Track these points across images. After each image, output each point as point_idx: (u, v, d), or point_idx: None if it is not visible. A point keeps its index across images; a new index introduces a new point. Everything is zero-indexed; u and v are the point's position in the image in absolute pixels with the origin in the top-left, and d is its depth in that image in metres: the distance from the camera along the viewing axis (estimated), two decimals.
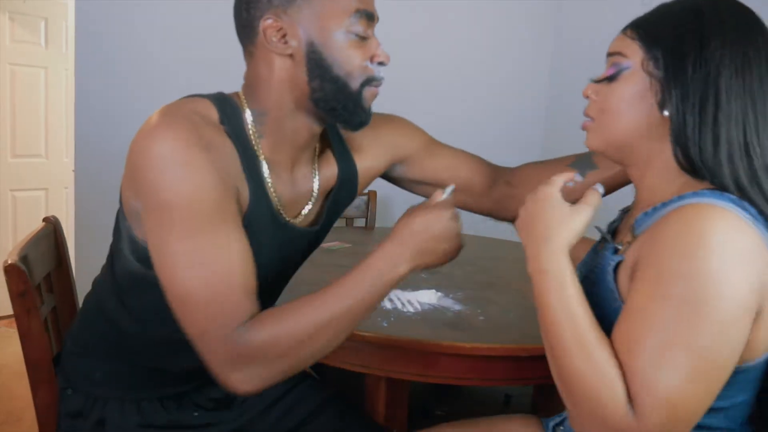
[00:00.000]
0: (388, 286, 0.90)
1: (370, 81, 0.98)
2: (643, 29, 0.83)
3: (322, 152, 1.13)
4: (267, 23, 0.95)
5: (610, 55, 0.86)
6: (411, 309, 1.32)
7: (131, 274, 1.04)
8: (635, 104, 0.82)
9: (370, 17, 0.97)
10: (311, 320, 0.88)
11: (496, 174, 1.24)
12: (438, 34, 2.74)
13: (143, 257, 0.99)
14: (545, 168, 1.18)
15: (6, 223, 3.63)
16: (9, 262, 1.09)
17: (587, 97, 0.89)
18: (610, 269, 0.84)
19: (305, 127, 1.02)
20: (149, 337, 1.10)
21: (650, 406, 0.69)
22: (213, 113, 0.97)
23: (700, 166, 0.77)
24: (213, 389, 1.21)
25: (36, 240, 1.26)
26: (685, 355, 0.69)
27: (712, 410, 0.74)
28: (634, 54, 0.82)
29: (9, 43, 3.52)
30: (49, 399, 1.15)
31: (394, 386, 1.26)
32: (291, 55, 0.96)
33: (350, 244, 1.97)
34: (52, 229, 1.37)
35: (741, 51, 0.76)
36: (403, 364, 1.16)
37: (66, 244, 1.41)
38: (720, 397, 0.73)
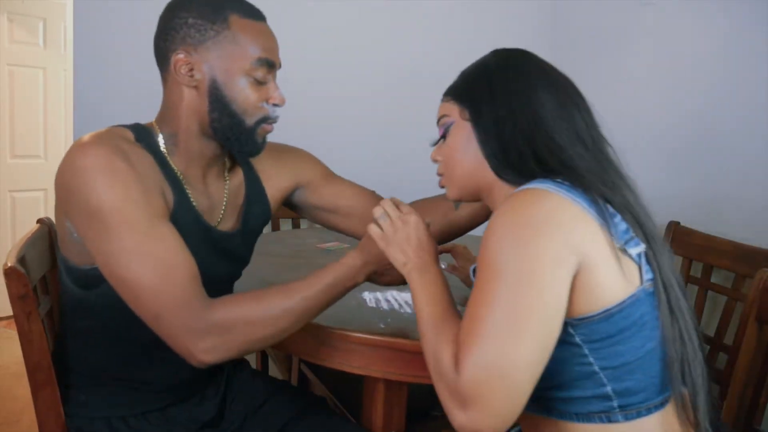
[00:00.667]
0: (346, 291, 1.07)
1: (265, 120, 1.11)
2: (453, 90, 1.03)
3: (232, 168, 1.26)
4: (178, 57, 1.07)
5: (438, 122, 1.04)
6: (408, 310, 1.33)
7: (75, 301, 1.13)
8: (466, 148, 0.98)
9: (270, 65, 1.10)
10: (272, 307, 1.01)
11: None
12: (433, 34, 2.74)
13: (82, 280, 1.09)
14: (430, 202, 1.35)
15: (5, 224, 3.64)
16: (9, 264, 1.09)
17: (435, 161, 1.05)
18: (471, 275, 1.05)
19: (210, 147, 1.14)
20: (109, 357, 1.17)
21: (466, 366, 0.78)
22: (129, 135, 1.09)
23: (514, 178, 0.94)
24: (200, 403, 1.28)
25: (32, 241, 1.27)
26: (498, 316, 0.79)
27: (590, 377, 0.86)
28: (453, 111, 1.01)
29: (7, 43, 3.52)
30: (50, 401, 1.15)
31: (392, 388, 1.26)
32: (196, 87, 1.08)
33: (348, 245, 1.97)
34: (46, 231, 1.37)
35: (523, 86, 0.95)
36: (401, 366, 1.17)
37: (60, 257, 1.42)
38: (597, 358, 0.85)
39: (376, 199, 1.38)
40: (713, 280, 1.99)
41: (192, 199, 1.12)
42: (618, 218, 0.87)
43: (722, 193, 2.11)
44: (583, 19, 2.79)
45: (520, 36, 2.90)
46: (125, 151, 1.02)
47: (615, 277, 0.84)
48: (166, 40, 1.08)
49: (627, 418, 0.87)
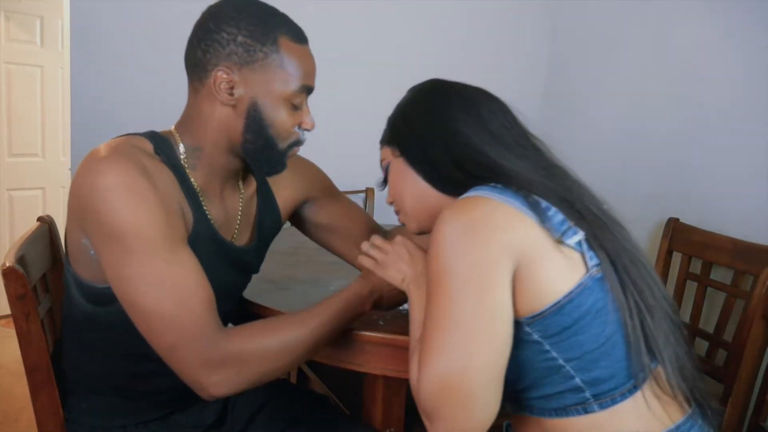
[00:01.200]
0: (354, 318, 1.09)
1: (296, 143, 1.11)
2: (383, 137, 1.09)
3: (245, 177, 1.23)
4: (219, 74, 1.03)
5: (381, 166, 1.11)
6: (407, 307, 1.33)
7: (84, 315, 1.10)
8: (403, 180, 1.04)
9: (309, 91, 1.10)
10: (286, 338, 1.00)
11: (378, 230, 1.41)
12: (431, 32, 2.74)
13: (93, 296, 1.06)
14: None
15: (3, 222, 3.63)
16: (7, 264, 1.08)
17: (390, 203, 1.10)
18: None
19: (233, 163, 1.12)
20: (114, 369, 1.15)
21: (422, 380, 0.83)
22: (148, 146, 1.05)
23: (455, 190, 0.96)
24: (202, 409, 1.28)
25: (32, 240, 1.26)
26: (444, 328, 0.82)
27: (554, 368, 0.87)
28: (387, 154, 1.08)
29: (5, 41, 3.51)
30: (49, 402, 1.15)
31: (391, 385, 1.26)
32: (233, 106, 1.05)
33: None
34: (47, 229, 1.36)
35: (436, 109, 1.02)
36: (400, 363, 1.16)
37: (61, 243, 1.41)
38: (559, 352, 0.86)
39: (374, 224, 1.42)
40: (712, 276, 1.99)
41: (209, 215, 1.10)
42: (552, 211, 0.88)
43: (721, 190, 2.11)
44: (583, 20, 2.78)
45: (521, 39, 2.90)
46: (146, 168, 0.98)
47: (559, 269, 0.85)
48: (207, 52, 1.03)
49: (602, 407, 0.87)
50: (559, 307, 0.85)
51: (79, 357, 1.17)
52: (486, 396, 0.81)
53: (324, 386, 1.69)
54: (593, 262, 0.87)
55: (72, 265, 1.07)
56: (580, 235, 0.87)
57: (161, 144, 1.07)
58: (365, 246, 1.11)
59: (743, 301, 1.82)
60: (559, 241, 0.86)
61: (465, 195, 0.90)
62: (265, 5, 1.08)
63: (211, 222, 1.10)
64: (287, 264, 1.61)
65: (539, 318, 0.85)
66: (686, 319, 2.05)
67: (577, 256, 0.87)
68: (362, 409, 1.33)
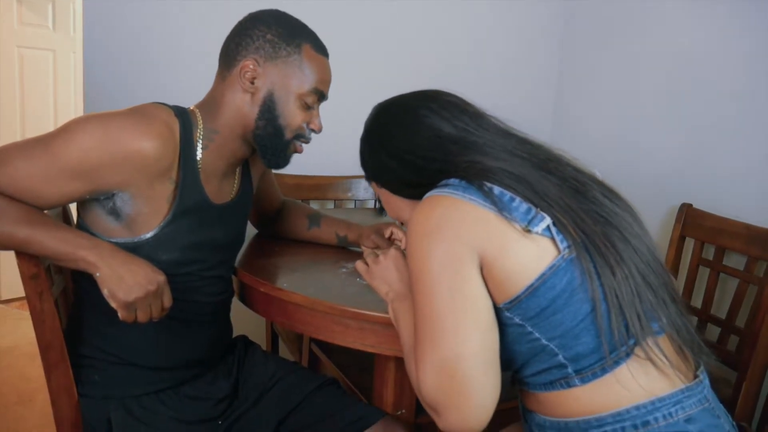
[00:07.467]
0: (73, 260, 1.06)
1: (300, 137, 1.24)
2: (365, 175, 1.17)
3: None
4: (246, 64, 1.17)
5: (375, 197, 1.21)
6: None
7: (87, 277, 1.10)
8: (395, 204, 1.12)
9: (321, 96, 1.24)
10: (13, 216, 1.04)
11: (289, 204, 1.64)
12: (442, 25, 2.72)
13: None
14: (296, 210, 1.62)
15: None
16: None
17: (397, 220, 1.18)
18: None
19: (242, 150, 1.25)
20: (118, 339, 1.20)
21: (420, 378, 0.89)
22: (168, 110, 1.17)
23: (419, 192, 1.01)
24: (213, 381, 1.31)
25: None
26: (427, 325, 0.88)
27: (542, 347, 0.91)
28: (374, 186, 1.15)
29: (17, 25, 3.52)
30: (63, 381, 1.17)
31: (402, 367, 1.26)
32: (252, 94, 1.19)
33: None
34: (60, 211, 1.37)
35: (376, 138, 1.10)
36: None
37: (74, 223, 1.42)
38: (542, 335, 0.90)
39: (281, 202, 1.63)
40: (725, 262, 1.98)
41: (202, 185, 1.20)
42: (516, 201, 0.91)
43: (735, 175, 2.09)
44: (598, 3, 2.76)
45: (531, 22, 2.88)
46: (161, 123, 1.11)
47: (529, 255, 0.89)
48: (239, 45, 1.19)
49: (584, 381, 0.90)
50: (533, 290, 0.88)
51: (92, 319, 1.20)
52: (482, 379, 0.86)
53: (335, 368, 1.69)
54: (564, 244, 0.89)
55: (83, 219, 1.15)
56: (547, 221, 0.90)
57: (183, 114, 1.19)
58: (367, 252, 1.21)
59: (756, 287, 1.81)
60: (527, 230, 0.89)
61: (426, 195, 0.96)
62: (299, 20, 1.23)
63: (204, 190, 1.20)
64: (295, 245, 1.61)
65: (516, 302, 0.89)
66: (698, 304, 2.04)
67: (547, 241, 0.90)
68: (373, 391, 1.34)
